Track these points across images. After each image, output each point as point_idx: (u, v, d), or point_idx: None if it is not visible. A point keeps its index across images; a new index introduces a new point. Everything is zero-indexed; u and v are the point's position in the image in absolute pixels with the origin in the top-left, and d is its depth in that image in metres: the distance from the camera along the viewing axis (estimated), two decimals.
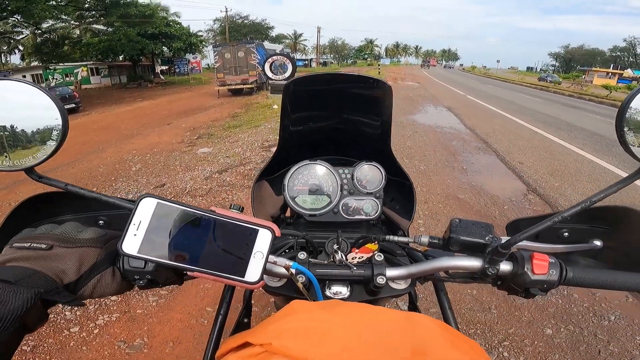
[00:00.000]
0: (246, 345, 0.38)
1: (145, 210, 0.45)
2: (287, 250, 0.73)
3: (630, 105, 0.46)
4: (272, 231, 0.47)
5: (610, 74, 44.67)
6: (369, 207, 0.88)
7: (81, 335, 2.08)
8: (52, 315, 2.22)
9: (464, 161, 5.71)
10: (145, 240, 0.44)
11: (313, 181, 0.88)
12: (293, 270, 0.52)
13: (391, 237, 0.63)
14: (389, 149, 0.89)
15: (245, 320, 0.84)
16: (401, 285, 0.62)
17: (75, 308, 2.29)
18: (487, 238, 0.54)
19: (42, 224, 0.51)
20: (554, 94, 21.95)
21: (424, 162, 5.52)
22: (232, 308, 0.77)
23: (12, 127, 0.47)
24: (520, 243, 0.53)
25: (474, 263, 0.55)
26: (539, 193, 4.38)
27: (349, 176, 0.89)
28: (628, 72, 50.36)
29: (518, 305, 2.37)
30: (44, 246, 0.45)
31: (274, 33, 60.71)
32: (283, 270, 0.54)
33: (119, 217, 0.66)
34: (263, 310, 2.25)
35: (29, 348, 1.97)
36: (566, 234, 0.63)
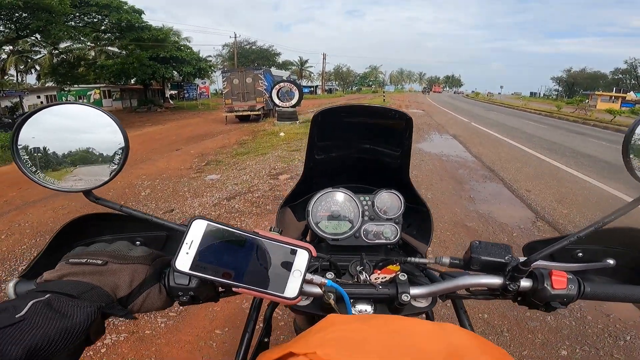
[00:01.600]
0: (289, 355, 0.40)
1: (196, 231, 0.50)
2: (312, 272, 0.78)
3: (636, 131, 0.49)
4: (309, 251, 0.52)
5: (613, 97, 45.01)
6: (388, 232, 0.92)
7: (88, 354, 2.09)
8: None
9: (471, 189, 5.72)
10: (196, 259, 0.48)
11: (335, 207, 0.93)
12: (325, 288, 0.56)
13: (412, 259, 0.68)
14: (408, 178, 0.95)
15: (266, 339, 0.87)
16: (422, 304, 0.65)
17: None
18: (506, 257, 0.59)
19: (92, 243, 0.56)
20: (558, 120, 22.09)
21: (430, 191, 5.54)
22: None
23: (77, 149, 0.53)
24: (537, 262, 0.58)
25: (495, 280, 0.60)
26: (547, 220, 4.35)
27: (369, 203, 0.94)
28: (631, 95, 50.69)
29: (531, 328, 2.33)
30: (100, 262, 0.49)
31: (280, 59, 62.53)
32: (313, 289, 0.58)
33: (154, 238, 0.71)
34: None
35: None
36: (580, 254, 0.67)
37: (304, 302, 0.66)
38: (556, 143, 11.25)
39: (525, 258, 0.57)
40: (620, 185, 6.03)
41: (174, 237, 0.72)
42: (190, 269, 0.48)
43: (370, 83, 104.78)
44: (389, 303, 0.62)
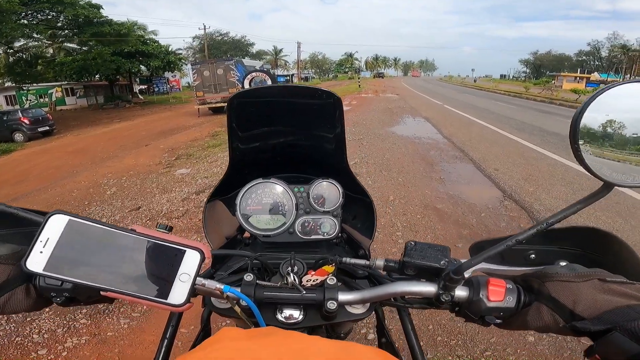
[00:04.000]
0: None
1: (55, 227, 0.43)
2: (237, 272, 0.70)
3: (585, 114, 0.41)
4: (201, 252, 0.46)
5: (578, 78, 46.81)
6: (327, 227, 0.86)
7: (49, 358, 2.06)
8: (20, 338, 2.23)
9: (441, 171, 5.81)
10: (53, 258, 0.42)
11: (267, 200, 0.86)
12: (228, 294, 0.50)
13: (348, 260, 0.62)
14: (346, 165, 0.86)
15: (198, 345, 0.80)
16: (359, 310, 0.60)
17: (44, 331, 2.30)
18: (442, 262, 0.53)
19: None
20: (526, 100, 22.78)
21: (402, 174, 5.58)
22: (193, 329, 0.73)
23: None
24: (482, 266, 0.52)
25: (428, 288, 0.53)
26: (514, 199, 4.47)
27: (304, 194, 0.87)
28: (595, 76, 52.94)
29: None
30: None
31: (254, 49, 61.22)
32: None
33: (26, 234, 0.61)
34: None
35: None
36: (532, 255, 0.61)
37: (225, 305, 0.60)
38: (524, 122, 11.59)
39: (462, 262, 0.51)
40: None
41: None
42: (44, 270, 0.41)
43: (347, 70, 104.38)
44: (320, 309, 0.56)
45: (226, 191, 0.95)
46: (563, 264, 0.55)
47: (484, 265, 0.56)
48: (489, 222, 3.80)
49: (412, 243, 0.56)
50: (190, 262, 0.46)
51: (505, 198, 4.54)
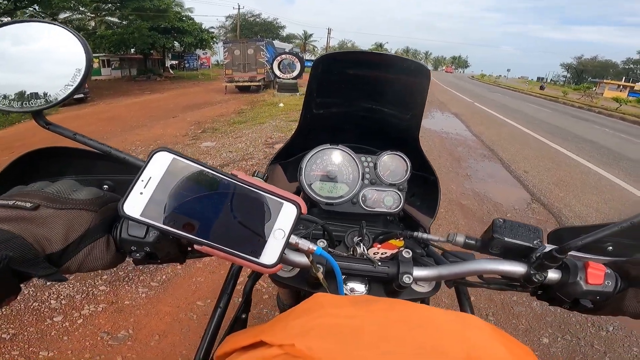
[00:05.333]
0: (260, 345, 0.32)
1: (158, 166, 0.38)
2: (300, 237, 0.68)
3: None
4: (299, 207, 0.41)
5: (621, 86, 44.22)
6: (390, 200, 0.82)
7: (64, 325, 2.02)
8: (37, 304, 2.17)
9: (468, 167, 5.65)
10: (152, 202, 0.37)
11: (332, 168, 0.83)
12: (313, 257, 0.46)
13: (419, 234, 0.57)
14: (417, 140, 0.83)
15: (244, 316, 0.77)
16: (424, 288, 0.57)
17: (62, 297, 2.23)
18: (535, 242, 0.50)
19: (37, 182, 0.44)
20: (563, 105, 21.74)
21: None
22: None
23: (31, 67, 0.44)
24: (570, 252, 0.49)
25: (517, 268, 0.50)
26: (542, 202, 4.32)
27: (371, 165, 0.83)
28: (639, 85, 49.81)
29: (516, 313, 2.32)
30: (29, 205, 0.38)
31: (284, 32, 60.80)
32: (299, 258, 0.49)
33: (126, 182, 0.62)
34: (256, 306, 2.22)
35: (8, 336, 1.93)
36: (610, 247, 0.58)
37: (288, 274, 0.57)
38: (558, 127, 11.09)
39: (556, 246, 0.47)
40: (620, 172, 5.98)
41: None
42: (141, 215, 0.36)
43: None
44: (386, 284, 0.54)
45: (288, 155, 0.92)
46: None
47: (572, 253, 0.52)
48: None
49: (501, 220, 0.52)
50: (287, 217, 0.40)
51: (533, 201, 4.39)
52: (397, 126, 0.86)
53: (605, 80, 51.61)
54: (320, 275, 0.48)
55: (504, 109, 15.51)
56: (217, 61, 44.69)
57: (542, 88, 33.92)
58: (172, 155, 0.38)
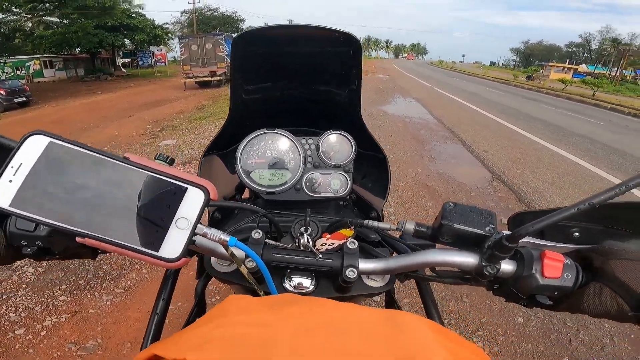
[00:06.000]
0: (155, 359, 0.27)
1: (32, 151, 0.33)
2: (240, 232, 0.60)
3: None
4: (206, 192, 0.36)
5: (566, 68, 47.39)
6: (337, 183, 0.78)
7: (27, 338, 1.93)
8: None
9: (432, 150, 5.80)
10: (24, 190, 0.33)
11: (271, 153, 0.77)
12: (233, 250, 0.41)
13: (370, 222, 0.51)
14: (360, 118, 0.77)
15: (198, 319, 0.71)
16: (377, 283, 0.53)
17: (20, 309, 2.16)
18: (487, 229, 0.43)
19: None
20: (514, 87, 22.97)
21: (393, 151, 5.55)
22: (188, 301, 0.64)
23: None
24: (525, 240, 0.43)
25: (468, 259, 0.44)
26: (502, 180, 4.51)
27: (313, 147, 0.78)
28: (583, 67, 53.71)
29: (489, 294, 2.38)
30: None
31: (244, 26, 59.29)
32: (220, 249, 0.43)
33: None
34: None
35: None
36: (576, 233, 0.52)
37: (226, 268, 0.51)
38: (512, 108, 11.70)
39: (510, 232, 0.42)
40: (570, 147, 6.41)
41: None
42: (10, 205, 0.32)
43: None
44: (334, 278, 0.49)
45: (224, 145, 0.85)
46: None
47: (527, 240, 0.47)
48: (478, 202, 3.82)
49: (451, 204, 0.45)
50: (192, 203, 0.36)
51: (493, 179, 4.58)
52: (337, 104, 0.80)
53: (550, 63, 55.06)
54: (244, 269, 0.43)
55: (462, 92, 16.11)
56: (174, 57, 42.84)
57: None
58: (48, 139, 0.34)
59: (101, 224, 0.34)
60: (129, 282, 2.38)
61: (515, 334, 2.07)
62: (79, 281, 2.39)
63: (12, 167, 0.33)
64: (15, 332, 1.97)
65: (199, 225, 0.36)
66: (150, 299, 2.27)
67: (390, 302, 0.77)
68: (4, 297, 2.26)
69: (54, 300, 2.23)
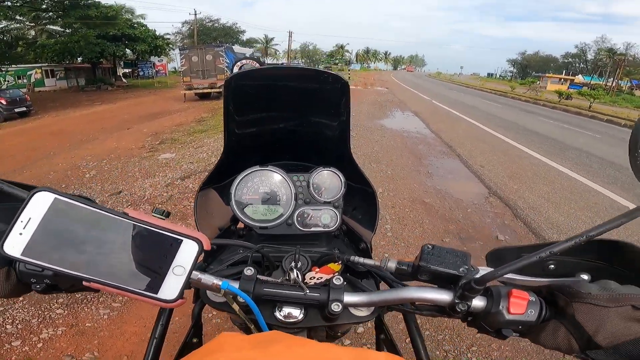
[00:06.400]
0: None
1: (39, 206, 0.38)
2: (234, 265, 0.64)
3: None
4: (199, 243, 0.41)
5: (562, 79, 47.89)
6: (327, 218, 0.81)
7: (24, 350, 1.95)
8: None
9: (429, 165, 5.84)
10: (34, 242, 0.37)
11: (264, 189, 0.80)
12: (224, 290, 0.46)
13: (356, 258, 0.57)
14: (349, 153, 0.81)
15: (195, 340, 0.74)
16: (363, 312, 0.57)
17: (17, 321, 2.20)
18: (461, 269, 0.49)
19: None
20: (511, 99, 23.18)
21: (391, 167, 5.59)
22: (183, 325, 0.67)
23: None
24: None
25: (443, 296, 0.49)
26: (499, 196, 4.54)
27: (304, 184, 0.82)
28: (579, 78, 54.27)
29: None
30: None
31: (244, 37, 59.99)
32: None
33: (10, 209, 0.57)
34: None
35: None
36: (552, 266, 0.56)
37: (220, 299, 0.56)
38: (509, 121, 11.81)
39: (485, 271, 0.47)
40: (566, 162, 6.45)
41: None
42: (23, 254, 0.37)
43: (337, 61, 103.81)
44: (322, 309, 0.53)
45: (220, 179, 0.89)
46: (585, 277, 0.53)
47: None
48: (475, 218, 3.84)
49: (430, 246, 0.51)
50: (187, 253, 0.41)
51: (490, 195, 4.61)
52: (327, 140, 0.84)
53: (547, 74, 55.69)
54: (236, 307, 0.48)
55: (460, 105, 16.26)
56: (175, 68, 43.22)
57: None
58: (54, 195, 0.38)
59: (105, 270, 0.39)
60: (126, 297, 2.38)
61: (509, 349, 2.08)
62: (76, 295, 2.40)
63: (21, 221, 0.37)
64: (12, 343, 2.01)
65: (193, 272, 0.42)
66: (148, 313, 2.34)
67: (379, 326, 0.80)
68: (0, 309, 2.28)
69: (50, 313, 2.26)
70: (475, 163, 6.03)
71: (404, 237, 3.38)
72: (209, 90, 16.07)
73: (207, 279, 0.45)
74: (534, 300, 0.47)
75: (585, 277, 0.53)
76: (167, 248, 0.41)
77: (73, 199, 0.39)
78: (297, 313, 0.53)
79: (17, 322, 2.16)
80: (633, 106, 27.19)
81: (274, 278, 0.54)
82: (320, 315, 0.54)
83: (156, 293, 0.39)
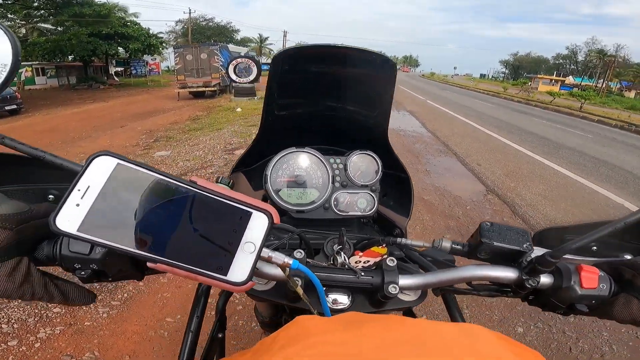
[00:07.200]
0: None
1: (99, 173, 0.32)
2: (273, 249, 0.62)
3: None
4: (270, 216, 0.36)
5: (553, 81, 48.56)
6: (363, 202, 0.79)
7: (21, 350, 1.90)
8: None
9: (427, 163, 5.85)
10: (92, 214, 0.31)
11: (300, 172, 0.78)
12: (290, 271, 0.42)
13: (404, 240, 0.55)
14: (386, 138, 0.79)
15: (220, 335, 0.71)
16: (410, 297, 0.54)
17: (13, 320, 2.12)
18: (524, 245, 0.47)
19: None
20: (504, 100, 23.43)
21: None
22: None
23: None
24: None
25: (509, 274, 0.47)
26: (497, 194, 4.56)
27: (341, 166, 0.80)
28: (570, 79, 55.05)
29: (488, 304, 2.40)
30: None
31: (239, 36, 59.71)
32: (274, 271, 0.44)
33: None
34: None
35: None
36: (594, 247, 0.56)
37: (264, 287, 0.52)
38: (503, 121, 11.92)
39: (539, 251, 0.46)
40: (560, 160, 6.52)
41: None
42: (78, 230, 0.31)
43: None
44: (370, 294, 0.51)
45: (251, 162, 0.86)
46: (629, 257, 0.53)
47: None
48: (474, 215, 3.85)
49: (488, 224, 0.49)
50: (257, 228, 0.36)
51: (488, 192, 4.63)
52: (365, 124, 0.82)
53: (539, 75, 56.43)
54: (300, 291, 0.44)
55: (455, 105, 16.38)
56: (168, 67, 42.83)
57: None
58: (117, 160, 0.33)
59: (171, 249, 0.33)
60: (125, 295, 2.35)
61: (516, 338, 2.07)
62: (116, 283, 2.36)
63: (78, 189, 0.32)
64: (8, 343, 1.95)
65: (264, 249, 0.37)
66: (149, 312, 2.30)
67: (409, 313, 0.79)
68: None
69: (47, 312, 2.20)
70: (472, 161, 6.06)
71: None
72: (203, 89, 16.03)
73: (278, 257, 0.40)
74: (603, 275, 0.46)
75: (628, 256, 0.53)
76: (237, 222, 0.36)
77: (137, 164, 0.34)
78: (344, 299, 0.50)
79: (12, 321, 2.10)
80: (623, 107, 27.65)
81: (318, 262, 0.52)
82: (368, 301, 0.51)
83: (226, 275, 0.34)
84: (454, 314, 0.64)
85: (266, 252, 0.39)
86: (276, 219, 0.37)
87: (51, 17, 22.86)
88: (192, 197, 0.35)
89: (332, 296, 0.50)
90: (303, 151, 0.79)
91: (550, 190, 4.81)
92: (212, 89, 16.14)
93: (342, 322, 0.33)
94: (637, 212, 0.41)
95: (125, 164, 0.33)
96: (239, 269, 0.35)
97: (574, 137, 9.77)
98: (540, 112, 17.12)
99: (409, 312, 0.77)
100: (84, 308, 2.21)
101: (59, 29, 24.22)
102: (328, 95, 0.78)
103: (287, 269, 0.41)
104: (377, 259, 0.51)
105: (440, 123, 10.32)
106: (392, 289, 0.47)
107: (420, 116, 11.57)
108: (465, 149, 6.94)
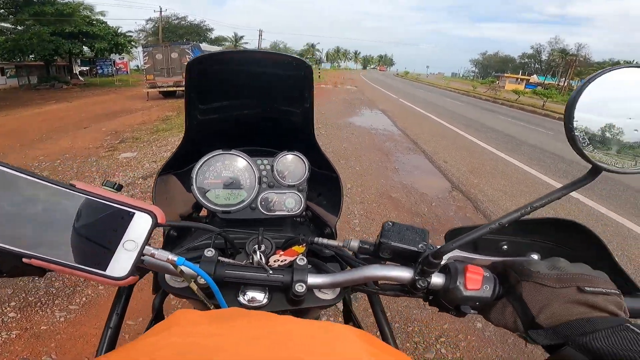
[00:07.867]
0: None
1: None
2: (196, 249, 0.63)
3: (580, 97, 0.38)
4: (153, 216, 0.39)
5: (519, 79, 50.68)
6: (291, 202, 0.81)
7: None
8: None
9: (396, 161, 5.99)
10: None
11: (227, 174, 0.79)
12: (182, 268, 0.43)
13: (320, 240, 0.56)
14: (313, 138, 0.81)
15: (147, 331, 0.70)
16: (328, 295, 0.55)
17: None
18: (420, 245, 0.48)
19: None
20: (473, 98, 24.26)
21: (359, 163, 5.67)
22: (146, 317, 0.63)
23: None
24: (456, 254, 0.49)
25: (404, 274, 0.49)
26: (461, 190, 4.73)
27: (268, 167, 0.82)
28: (534, 78, 57.61)
29: None
30: None
31: (213, 35, 58.44)
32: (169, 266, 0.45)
33: None
34: None
35: None
36: (505, 246, 0.58)
37: (180, 284, 0.53)
38: (471, 119, 12.35)
39: (438, 247, 0.47)
40: (521, 157, 6.84)
41: None
42: None
43: (308, 60, 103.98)
44: (286, 292, 0.52)
45: (180, 165, 0.86)
46: (535, 256, 0.55)
47: (459, 253, 0.53)
48: (438, 211, 3.98)
49: (390, 223, 0.51)
50: (139, 227, 0.39)
51: (453, 189, 4.79)
52: (292, 125, 0.84)
53: (506, 74, 58.68)
54: (194, 286, 0.45)
55: (425, 103, 16.81)
56: (137, 66, 41.35)
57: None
58: None
59: (48, 246, 0.36)
60: (84, 299, 2.31)
61: (476, 339, 2.16)
62: (29, 298, 2.32)
63: None
64: None
65: (147, 247, 0.40)
66: (106, 315, 2.18)
67: (347, 312, 0.80)
68: None
69: (3, 316, 2.15)
70: (439, 159, 6.25)
71: (372, 232, 3.44)
72: (174, 89, 15.56)
73: (161, 254, 0.41)
74: (488, 276, 0.47)
75: (535, 256, 0.55)
76: (118, 222, 0.38)
77: (12, 169, 0.36)
78: (261, 297, 0.51)
79: None
80: None
81: (238, 261, 0.53)
82: (285, 299, 0.53)
83: (104, 270, 0.37)
84: (377, 313, 0.65)
85: (149, 250, 0.41)
86: (161, 218, 0.40)
87: (11, 17, 21.59)
88: (71, 198, 0.37)
89: (250, 294, 0.51)
90: (229, 153, 0.80)
91: (511, 186, 5.04)
92: (183, 88, 15.76)
93: (219, 317, 0.35)
94: (511, 213, 0.44)
95: (2, 168, 0.36)
96: (119, 265, 0.37)
97: (535, 134, 10.26)
98: (506, 110, 17.84)
99: (347, 313, 0.79)
100: (40, 313, 2.18)
101: (19, 28, 22.94)
102: (250, 98, 0.80)
103: (178, 267, 0.43)
104: (294, 258, 0.53)
105: (410, 121, 10.57)
106: (299, 287, 0.48)
107: (392, 115, 11.78)
108: (433, 147, 7.15)
